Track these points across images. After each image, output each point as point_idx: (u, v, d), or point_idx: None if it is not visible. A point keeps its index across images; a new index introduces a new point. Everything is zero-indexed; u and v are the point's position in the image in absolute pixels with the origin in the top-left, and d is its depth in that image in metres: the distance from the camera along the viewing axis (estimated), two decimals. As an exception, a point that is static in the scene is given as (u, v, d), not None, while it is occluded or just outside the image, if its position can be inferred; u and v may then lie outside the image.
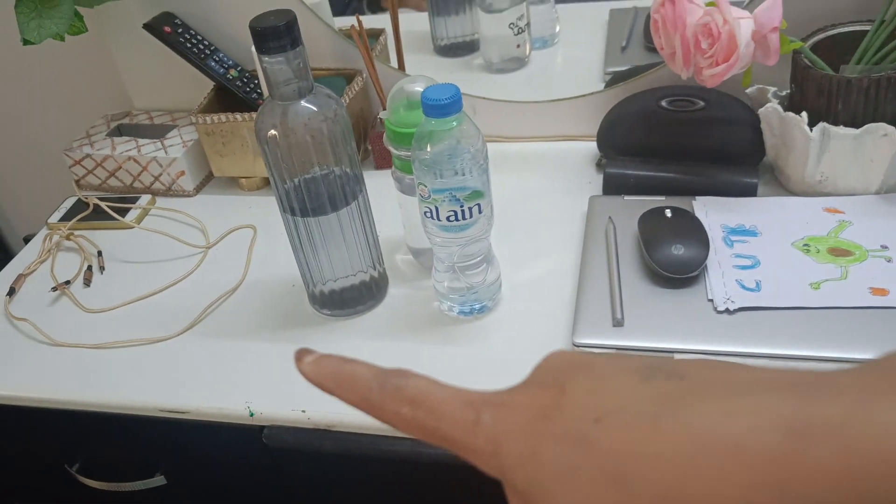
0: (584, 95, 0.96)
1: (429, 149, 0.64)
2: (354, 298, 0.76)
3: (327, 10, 1.02)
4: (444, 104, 0.62)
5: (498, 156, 0.98)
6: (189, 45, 0.93)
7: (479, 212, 0.67)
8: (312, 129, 0.66)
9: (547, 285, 0.76)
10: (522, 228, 0.84)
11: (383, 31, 1.02)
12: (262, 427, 0.69)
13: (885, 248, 0.70)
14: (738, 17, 0.69)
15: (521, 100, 1.00)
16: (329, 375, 0.29)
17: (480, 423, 0.26)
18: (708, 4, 0.73)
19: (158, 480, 0.80)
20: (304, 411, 0.67)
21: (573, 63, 1.09)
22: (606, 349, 0.66)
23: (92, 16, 0.95)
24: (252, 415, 0.69)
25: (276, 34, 0.61)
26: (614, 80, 0.98)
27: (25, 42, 0.84)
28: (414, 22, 1.08)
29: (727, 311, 0.67)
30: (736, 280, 0.69)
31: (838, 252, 0.70)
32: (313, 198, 0.69)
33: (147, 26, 0.93)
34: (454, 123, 0.63)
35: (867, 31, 0.76)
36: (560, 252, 0.80)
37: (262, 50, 0.62)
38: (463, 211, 0.66)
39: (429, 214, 0.67)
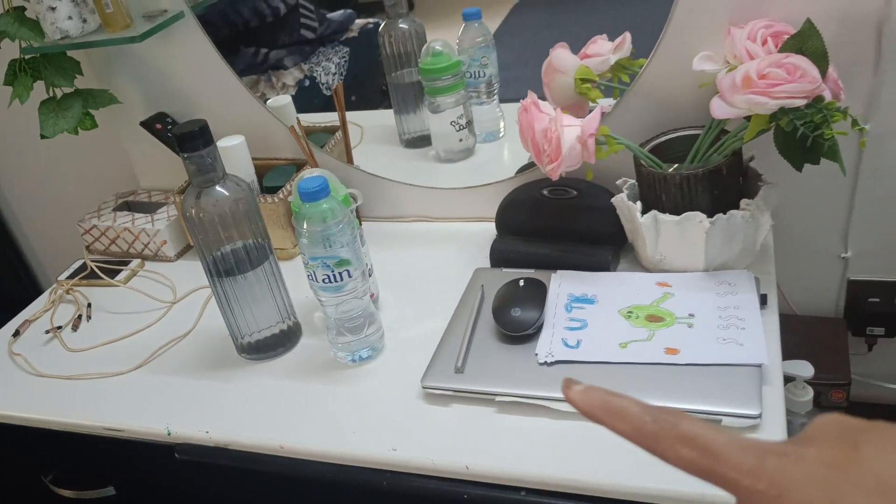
0: (494, 183, 1.13)
1: (304, 227, 0.82)
2: (270, 345, 0.93)
3: (292, 111, 1.23)
4: (312, 191, 0.80)
5: (425, 233, 1.15)
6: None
7: (349, 276, 0.84)
8: (222, 210, 0.85)
9: (422, 340, 0.92)
10: (420, 293, 1.01)
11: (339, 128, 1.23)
12: (176, 444, 0.87)
13: (691, 315, 0.83)
14: (568, 125, 0.86)
15: (459, 186, 1.18)
16: (598, 406, 0.33)
17: (764, 468, 0.29)
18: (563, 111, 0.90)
19: (109, 491, 0.97)
20: (207, 432, 0.85)
21: (515, 154, 1.27)
22: (444, 391, 0.81)
23: (109, 113, 1.20)
24: (169, 434, 0.86)
25: (191, 137, 0.81)
26: (524, 168, 1.15)
27: (42, 136, 1.08)
28: (389, 117, 1.29)
29: (546, 363, 0.81)
30: (562, 339, 0.83)
31: (654, 318, 0.84)
32: (228, 263, 0.87)
33: (143, 123, 1.17)
34: (323, 206, 0.81)
35: (698, 134, 0.91)
36: (440, 313, 0.95)
37: (181, 149, 0.82)
38: (334, 275, 0.83)
39: (311, 277, 0.85)
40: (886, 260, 1.07)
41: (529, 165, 1.12)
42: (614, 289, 0.90)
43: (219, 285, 0.89)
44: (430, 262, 1.07)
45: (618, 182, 0.99)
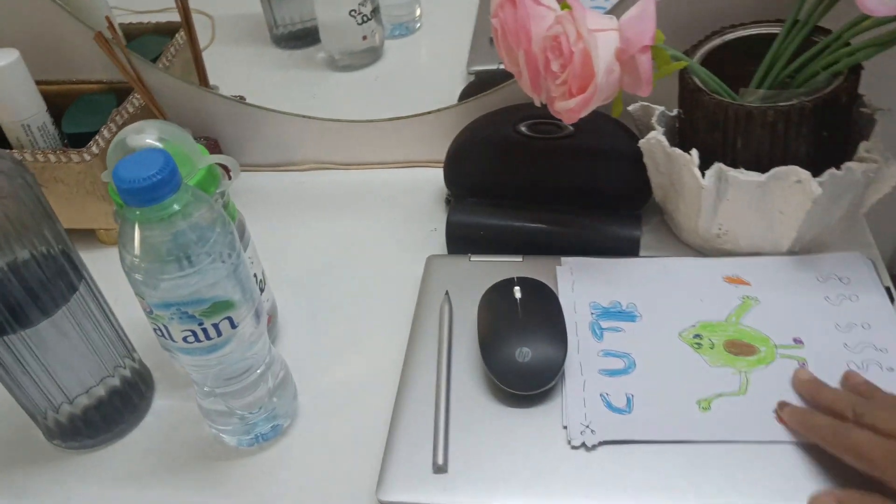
0: (432, 112, 0.75)
1: (136, 248, 0.43)
2: (98, 421, 0.55)
3: (100, 2, 0.78)
4: (142, 187, 0.40)
5: (326, 188, 0.77)
6: None
7: (232, 326, 0.46)
8: (-36, 220, 0.44)
9: (359, 394, 0.57)
10: (340, 304, 0.64)
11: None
12: None
13: (798, 343, 0.52)
14: (597, 28, 0.49)
15: (364, 109, 0.79)
16: (797, 423, 0.46)
17: None
18: (563, 7, 0.53)
19: None
20: None
21: (437, 58, 0.88)
22: (420, 511, 0.47)
23: None
24: None
25: None
26: (475, 84, 0.78)
27: None
28: (251, 3, 0.86)
29: (585, 447, 0.48)
30: (601, 395, 0.50)
31: (738, 348, 0.52)
32: (7, 306, 0.47)
33: None
34: (173, 208, 0.42)
35: (776, 34, 0.57)
36: (382, 340, 0.60)
37: None
38: (204, 330, 0.45)
39: (160, 333, 0.46)
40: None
41: (490, 77, 0.75)
42: (661, 289, 0.57)
43: (-12, 346, 0.49)
44: (346, 244, 0.70)
45: (630, 108, 0.64)
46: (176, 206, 0.42)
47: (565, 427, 0.49)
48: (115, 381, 0.55)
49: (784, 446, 0.47)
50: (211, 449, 0.55)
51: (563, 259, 0.61)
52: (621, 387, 0.51)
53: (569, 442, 0.48)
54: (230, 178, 0.51)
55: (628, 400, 0.50)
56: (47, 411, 0.53)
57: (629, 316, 0.56)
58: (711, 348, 0.53)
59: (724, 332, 0.54)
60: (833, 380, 0.49)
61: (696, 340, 0.53)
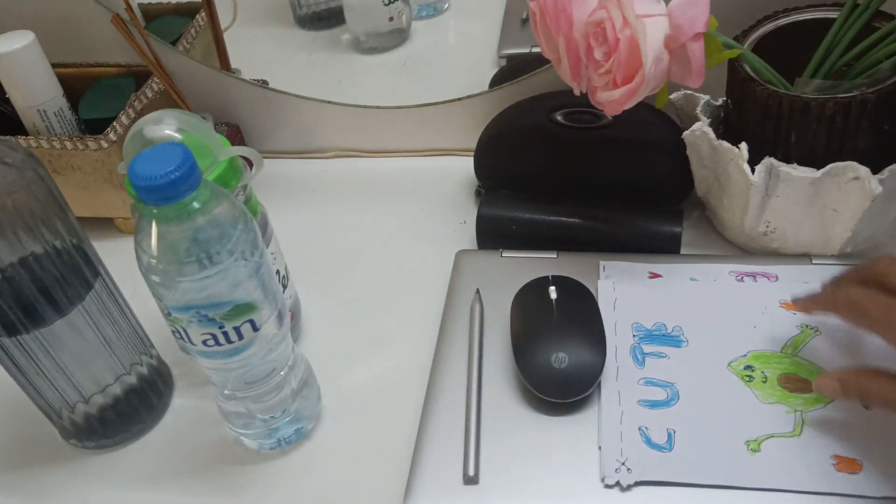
0: (461, 98, 0.72)
1: (153, 248, 0.40)
2: (115, 421, 0.53)
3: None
4: (159, 185, 0.38)
5: (351, 177, 0.74)
6: None
7: (254, 329, 0.44)
8: (-24, 216, 0.42)
9: (385, 396, 0.54)
10: (365, 300, 0.62)
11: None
12: None
13: None
14: (644, 14, 0.46)
15: (391, 94, 0.76)
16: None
17: None
18: (605, -11, 0.49)
19: None
20: None
21: (466, 40, 0.85)
22: (450, 529, 0.45)
23: None
24: None
25: None
26: (508, 69, 0.75)
27: None
28: None
29: (619, 486, 0.45)
30: (640, 429, 0.47)
31: (794, 383, 0.48)
32: (20, 305, 0.45)
33: None
34: (192, 206, 0.40)
35: (833, 19, 0.53)
36: (410, 339, 0.57)
37: None
38: (225, 333, 0.43)
39: (178, 336, 0.44)
40: None
41: (522, 62, 0.72)
42: (710, 309, 0.53)
43: (12, 348, 0.47)
44: (370, 236, 0.67)
45: (673, 97, 0.61)
46: (196, 204, 0.40)
47: (600, 448, 0.46)
48: (133, 380, 0.53)
49: (842, 500, 0.42)
50: (231, 451, 0.53)
51: (605, 265, 0.57)
52: (662, 421, 0.47)
53: (602, 479, 0.45)
54: (251, 168, 0.48)
55: (669, 436, 0.47)
56: (62, 410, 0.52)
57: (675, 341, 0.52)
58: (764, 382, 0.48)
59: (779, 364, 0.49)
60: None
61: (748, 372, 0.49)
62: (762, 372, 0.49)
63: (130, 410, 0.53)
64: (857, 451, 0.44)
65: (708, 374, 0.49)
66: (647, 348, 0.51)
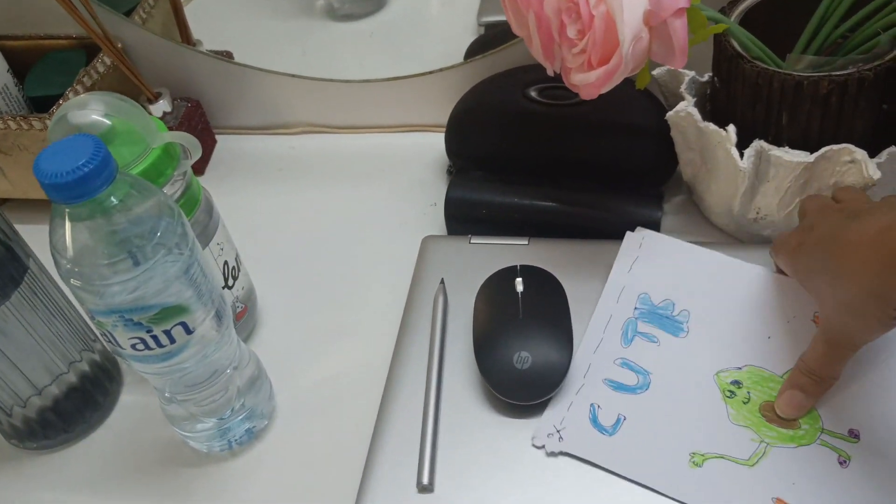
0: (434, 71, 0.67)
1: (69, 250, 0.37)
2: (56, 422, 0.50)
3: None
4: (67, 182, 0.34)
5: (318, 154, 0.70)
6: None
7: (188, 332, 0.41)
8: None
9: (343, 393, 0.51)
10: (326, 289, 0.58)
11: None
12: None
13: (853, 437, 0.42)
14: (618, -15, 0.41)
15: (362, 66, 0.72)
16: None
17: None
18: (578, -44, 0.45)
19: None
20: None
21: (446, 5, 0.80)
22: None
23: None
24: None
25: None
26: (484, 38, 0.70)
27: None
28: None
29: (545, 450, 0.43)
30: (591, 405, 0.44)
31: (778, 419, 0.43)
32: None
33: None
34: (109, 202, 0.36)
35: (829, -13, 0.49)
36: (371, 331, 0.54)
37: None
38: (154, 337, 0.40)
39: (107, 339, 0.41)
40: None
41: (500, 33, 0.67)
42: (729, 305, 0.48)
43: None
44: (336, 219, 0.64)
45: (655, 73, 0.56)
46: (113, 200, 0.36)
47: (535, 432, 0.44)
48: (73, 378, 0.49)
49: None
50: (179, 452, 0.50)
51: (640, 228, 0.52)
52: (618, 404, 0.44)
53: (532, 439, 0.43)
54: (188, 155, 0.44)
55: (618, 421, 0.44)
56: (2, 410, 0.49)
57: (675, 327, 0.47)
58: (744, 403, 0.44)
59: (771, 390, 0.44)
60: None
61: (733, 388, 0.44)
62: (748, 392, 0.44)
63: (73, 410, 0.50)
64: (797, 498, 0.40)
65: (690, 376, 0.45)
66: (643, 327, 0.48)
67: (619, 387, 0.45)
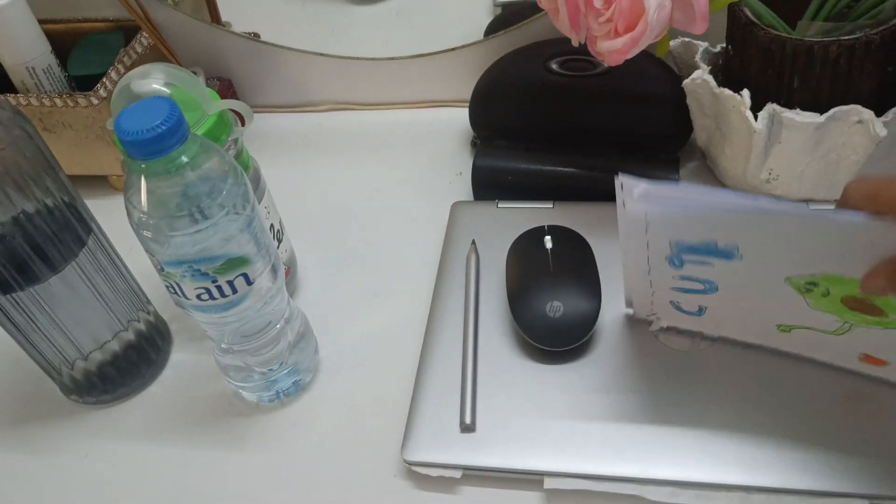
0: (456, 48, 0.70)
1: (143, 203, 0.40)
2: (114, 377, 0.53)
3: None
4: (146, 139, 0.37)
5: (345, 130, 0.73)
6: None
7: (248, 283, 0.44)
8: (-39, 173, 0.41)
9: (383, 348, 0.54)
10: (361, 253, 0.61)
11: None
12: None
13: None
14: (642, -44, 0.44)
15: (385, 45, 0.75)
16: None
17: None
18: (602, -70, 0.48)
19: None
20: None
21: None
22: (445, 468, 0.45)
23: None
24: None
25: None
26: (502, 17, 0.73)
27: None
28: None
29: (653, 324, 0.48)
30: (671, 301, 0.47)
31: (861, 305, 0.40)
32: (13, 263, 0.45)
33: None
34: (181, 160, 0.39)
35: (836, -41, 0.52)
36: (406, 291, 0.57)
37: None
38: (219, 287, 0.43)
39: (172, 290, 0.44)
40: None
41: (506, 19, 0.70)
42: (777, 235, 0.38)
43: (7, 306, 0.47)
44: (364, 190, 0.67)
45: (674, 44, 0.59)
46: (184, 158, 0.39)
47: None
48: (130, 336, 0.53)
49: (862, 381, 0.44)
50: (230, 404, 0.53)
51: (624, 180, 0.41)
52: (695, 300, 0.45)
53: (632, 314, 0.50)
54: (243, 124, 0.48)
55: (700, 309, 0.46)
56: (62, 367, 0.52)
57: (726, 254, 0.40)
58: (824, 296, 0.40)
59: (853, 288, 0.38)
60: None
61: (809, 286, 0.40)
62: (826, 288, 0.40)
63: (129, 366, 0.54)
64: (884, 352, 0.43)
65: (758, 279, 0.41)
66: (688, 257, 0.41)
67: (689, 290, 0.44)
